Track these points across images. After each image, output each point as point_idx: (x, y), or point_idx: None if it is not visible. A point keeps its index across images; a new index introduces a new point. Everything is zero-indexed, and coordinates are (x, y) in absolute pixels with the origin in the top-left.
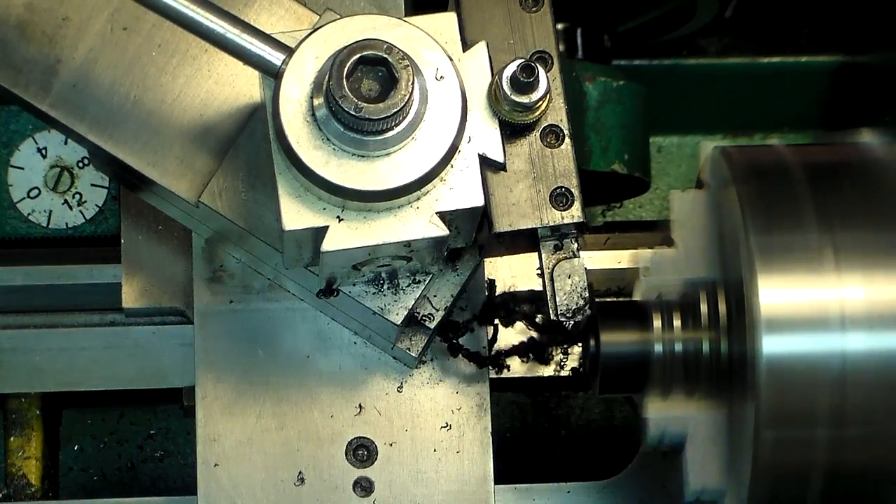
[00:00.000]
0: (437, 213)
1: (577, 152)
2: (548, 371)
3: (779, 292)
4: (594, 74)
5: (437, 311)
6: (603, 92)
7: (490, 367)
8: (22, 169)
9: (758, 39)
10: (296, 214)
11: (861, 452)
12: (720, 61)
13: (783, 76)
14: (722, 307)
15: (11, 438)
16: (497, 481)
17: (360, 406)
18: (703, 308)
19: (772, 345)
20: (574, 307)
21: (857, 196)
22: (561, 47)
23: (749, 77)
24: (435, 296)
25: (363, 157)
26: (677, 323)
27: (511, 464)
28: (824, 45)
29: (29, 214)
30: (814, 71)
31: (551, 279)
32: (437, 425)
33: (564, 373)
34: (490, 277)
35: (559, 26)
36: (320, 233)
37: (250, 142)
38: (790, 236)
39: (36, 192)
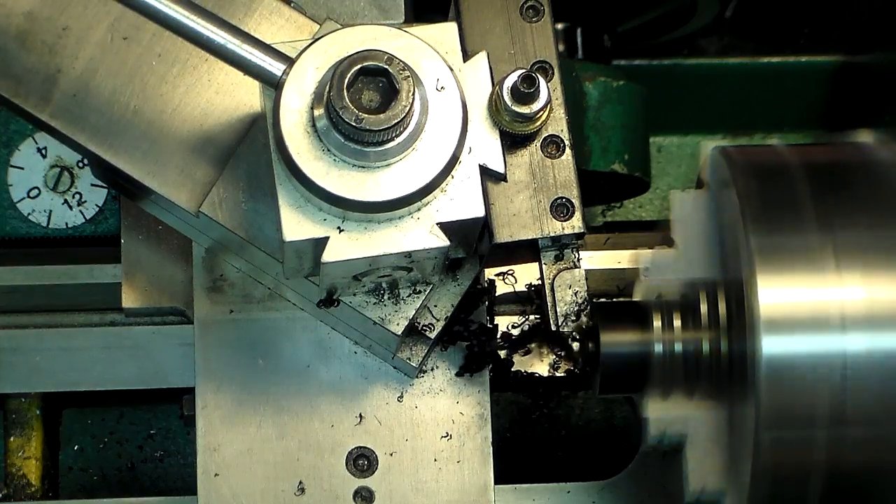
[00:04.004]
0: (437, 223)
1: (577, 152)
2: (544, 370)
3: (779, 292)
4: (594, 74)
5: (438, 320)
6: (603, 92)
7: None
8: (22, 169)
9: (758, 39)
10: (296, 225)
11: (861, 453)
12: (720, 61)
13: (783, 76)
14: (722, 307)
15: (11, 438)
16: (497, 481)
17: (360, 416)
18: (703, 308)
19: (772, 345)
20: (574, 317)
21: (857, 196)
22: (561, 47)
23: (749, 77)
24: (435, 306)
25: (364, 167)
26: (677, 323)
27: (511, 464)
28: (824, 45)
29: (29, 214)
30: (814, 71)
31: (552, 290)
32: (437, 435)
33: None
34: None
35: (559, 26)
36: (321, 244)
37: (251, 152)
38: (790, 236)
39: (36, 191)
